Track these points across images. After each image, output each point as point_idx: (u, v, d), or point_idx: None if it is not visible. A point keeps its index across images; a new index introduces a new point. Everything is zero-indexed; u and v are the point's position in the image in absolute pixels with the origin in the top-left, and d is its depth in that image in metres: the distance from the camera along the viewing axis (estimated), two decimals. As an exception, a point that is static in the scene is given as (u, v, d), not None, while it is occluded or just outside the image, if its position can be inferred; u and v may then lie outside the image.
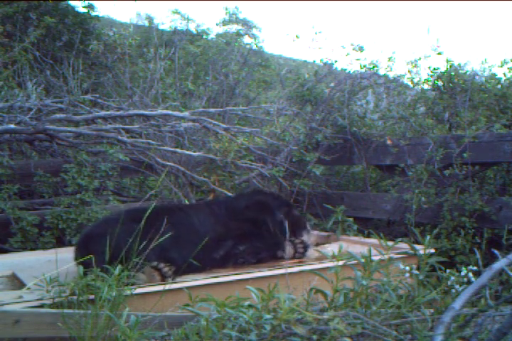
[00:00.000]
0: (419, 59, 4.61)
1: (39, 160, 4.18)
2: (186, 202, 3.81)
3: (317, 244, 3.32)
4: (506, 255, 1.61)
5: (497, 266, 1.55)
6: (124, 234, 2.08)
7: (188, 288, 1.96)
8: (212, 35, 11.99)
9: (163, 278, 2.24)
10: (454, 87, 4.03)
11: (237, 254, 2.64)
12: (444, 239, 3.34)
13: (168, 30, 10.57)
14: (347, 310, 1.59)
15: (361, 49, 4.74)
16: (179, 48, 6.85)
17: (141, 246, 1.95)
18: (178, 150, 4.02)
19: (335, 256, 1.80)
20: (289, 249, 2.73)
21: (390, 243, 1.93)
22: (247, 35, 13.59)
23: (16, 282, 2.40)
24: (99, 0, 10.87)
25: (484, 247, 2.64)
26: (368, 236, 3.49)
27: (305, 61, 9.69)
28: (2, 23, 6.02)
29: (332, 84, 4.78)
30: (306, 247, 2.78)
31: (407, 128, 4.29)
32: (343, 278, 1.70)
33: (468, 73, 4.17)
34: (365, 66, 4.70)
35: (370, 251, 1.77)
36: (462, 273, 1.84)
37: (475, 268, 1.84)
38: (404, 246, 2.21)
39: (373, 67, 4.70)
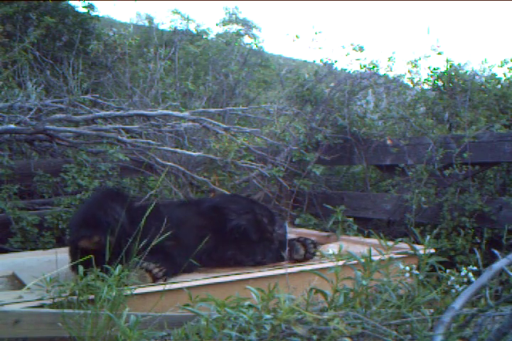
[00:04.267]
0: (419, 59, 4.61)
1: (39, 160, 4.17)
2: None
3: (317, 244, 3.32)
4: (506, 255, 1.61)
5: (497, 266, 1.55)
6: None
7: (188, 288, 1.96)
8: (212, 35, 11.99)
9: (155, 280, 2.23)
10: (454, 87, 4.03)
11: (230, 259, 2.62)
12: (444, 239, 3.34)
13: (168, 30, 10.57)
14: (347, 310, 1.59)
15: (361, 49, 4.75)
16: (179, 48, 6.85)
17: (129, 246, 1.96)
18: (178, 150, 4.02)
19: (335, 256, 1.80)
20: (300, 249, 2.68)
21: (390, 243, 1.93)
22: (247, 35, 13.58)
23: (16, 282, 2.40)
24: (99, 0, 10.89)
25: (484, 247, 2.64)
26: (368, 236, 3.49)
27: (305, 61, 9.69)
28: (2, 23, 6.02)
29: (332, 84, 4.77)
30: (316, 246, 2.74)
31: (407, 128, 4.29)
32: (343, 278, 1.70)
33: (468, 73, 4.17)
34: (365, 66, 4.70)
35: (370, 251, 1.77)
36: (462, 273, 1.84)
37: (475, 268, 1.85)
38: (404, 246, 2.21)
39: (373, 67, 4.70)
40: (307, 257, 2.68)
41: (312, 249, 2.70)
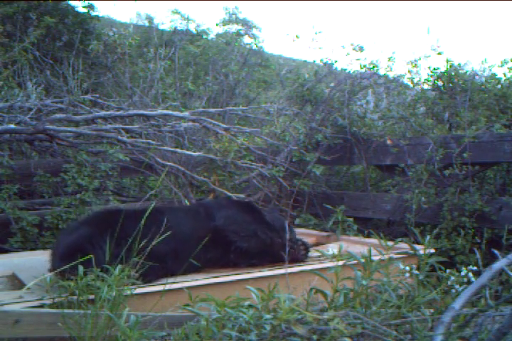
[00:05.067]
0: (419, 59, 4.62)
1: (39, 160, 4.17)
2: (186, 202, 3.80)
3: (317, 244, 3.32)
4: (506, 255, 1.61)
5: (497, 266, 1.55)
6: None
7: (188, 288, 1.96)
8: (212, 35, 12.01)
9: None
10: (454, 87, 4.03)
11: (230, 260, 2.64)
12: (444, 239, 3.35)
13: (168, 30, 10.57)
14: (347, 310, 1.59)
15: (361, 49, 4.75)
16: (179, 48, 6.86)
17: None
18: (178, 150, 4.02)
19: (335, 256, 1.80)
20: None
21: (390, 243, 1.93)
22: (247, 35, 13.58)
23: (16, 282, 2.40)
24: (99, 0, 10.90)
25: (484, 247, 2.64)
26: (368, 236, 3.49)
27: (305, 61, 9.68)
28: (2, 23, 6.02)
29: (332, 84, 4.78)
30: (307, 247, 2.76)
31: (407, 128, 4.30)
32: (343, 278, 1.70)
33: (468, 73, 4.18)
34: (365, 66, 4.70)
35: (370, 251, 1.77)
36: (462, 273, 1.84)
37: (475, 268, 1.85)
38: (404, 246, 2.21)
39: (373, 67, 4.70)
40: (299, 258, 2.70)
41: (302, 251, 2.72)
